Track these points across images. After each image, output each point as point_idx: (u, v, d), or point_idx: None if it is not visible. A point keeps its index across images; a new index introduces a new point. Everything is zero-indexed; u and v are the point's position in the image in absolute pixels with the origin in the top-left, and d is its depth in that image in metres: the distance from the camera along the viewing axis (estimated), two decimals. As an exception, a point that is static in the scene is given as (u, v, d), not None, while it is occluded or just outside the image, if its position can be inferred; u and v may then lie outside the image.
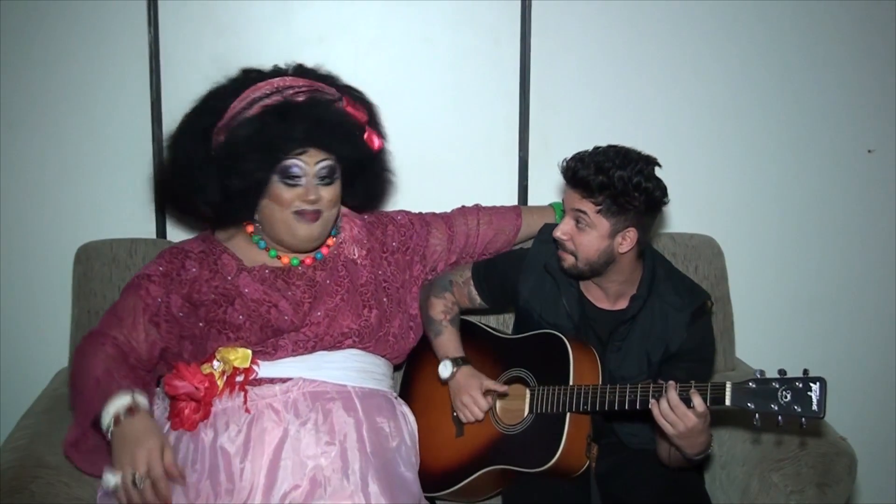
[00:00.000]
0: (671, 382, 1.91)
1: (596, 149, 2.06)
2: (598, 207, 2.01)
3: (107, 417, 1.90)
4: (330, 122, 2.06)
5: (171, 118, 2.48)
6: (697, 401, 1.88)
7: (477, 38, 2.62)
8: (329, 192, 2.08)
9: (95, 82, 2.53)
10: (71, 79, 2.52)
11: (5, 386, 2.63)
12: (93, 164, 2.56)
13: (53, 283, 2.56)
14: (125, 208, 2.56)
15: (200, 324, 2.08)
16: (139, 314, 2.07)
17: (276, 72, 2.13)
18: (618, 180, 1.98)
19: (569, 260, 2.09)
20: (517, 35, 2.61)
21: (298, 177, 2.04)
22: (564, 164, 2.07)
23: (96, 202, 2.57)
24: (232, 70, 2.46)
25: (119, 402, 1.91)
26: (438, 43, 2.62)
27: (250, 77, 2.11)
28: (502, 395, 2.17)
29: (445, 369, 2.18)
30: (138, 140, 2.54)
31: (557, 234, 2.09)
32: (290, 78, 2.11)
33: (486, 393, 2.14)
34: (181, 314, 2.08)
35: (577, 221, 2.05)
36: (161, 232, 2.59)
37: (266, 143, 2.01)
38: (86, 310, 2.37)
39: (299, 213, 2.06)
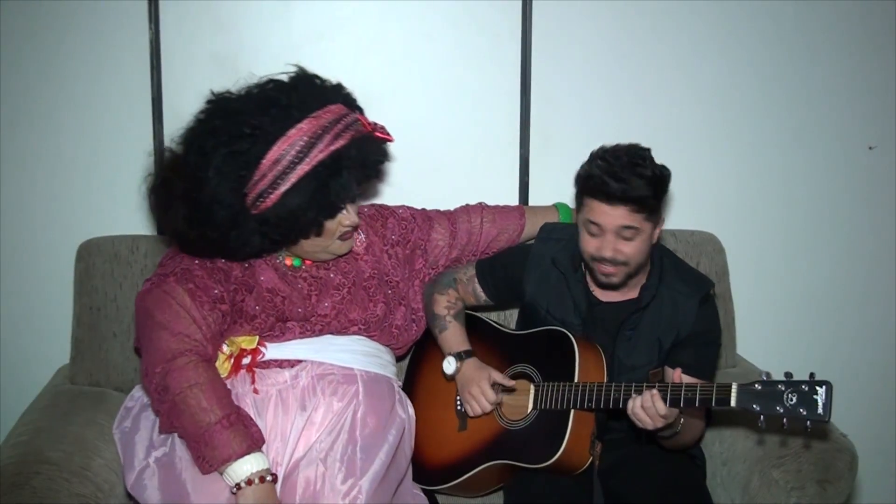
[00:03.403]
0: (655, 392, 1.92)
1: (608, 157, 2.00)
2: (645, 214, 2.00)
3: (240, 473, 1.89)
4: (375, 161, 2.04)
5: (173, 115, 2.50)
6: (659, 404, 1.91)
7: (478, 36, 2.61)
8: (357, 207, 2.08)
9: (97, 79, 2.53)
10: (72, 76, 2.52)
11: (7, 382, 2.63)
12: (94, 161, 2.56)
13: (55, 279, 2.56)
14: (127, 205, 2.55)
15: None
16: (196, 308, 1.97)
17: (288, 95, 1.98)
18: (658, 182, 1.99)
19: (620, 273, 2.05)
20: (518, 32, 2.60)
21: (341, 209, 2.02)
22: (603, 183, 1.97)
23: (98, 199, 2.57)
24: (232, 68, 2.48)
25: (257, 465, 1.89)
26: (439, 40, 2.62)
27: (273, 117, 1.93)
28: (509, 390, 2.17)
29: (449, 366, 2.18)
30: (140, 137, 2.54)
31: (607, 254, 2.02)
32: (317, 118, 1.95)
33: (494, 386, 2.15)
34: (230, 299, 2.04)
35: (621, 236, 2.01)
36: (162, 229, 2.58)
37: (325, 203, 1.95)
38: (87, 306, 2.37)
39: (341, 236, 2.06)
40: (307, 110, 1.95)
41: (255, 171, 1.91)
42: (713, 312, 2.17)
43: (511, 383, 2.15)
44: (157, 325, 1.97)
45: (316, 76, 2.05)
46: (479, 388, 2.13)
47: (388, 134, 2.07)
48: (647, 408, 1.93)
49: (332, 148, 1.94)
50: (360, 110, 2.08)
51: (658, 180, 2.00)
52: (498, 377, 2.14)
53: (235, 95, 2.01)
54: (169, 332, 1.95)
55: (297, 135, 1.92)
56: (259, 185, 1.91)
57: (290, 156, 1.91)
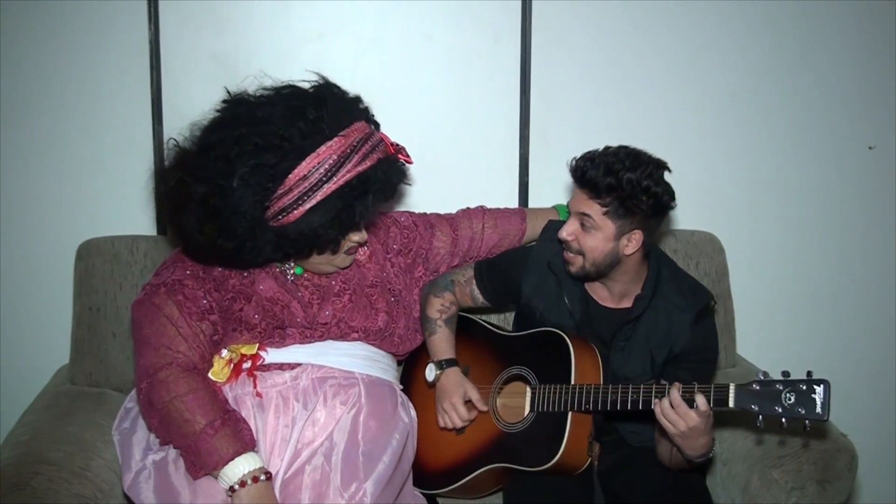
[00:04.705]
0: (676, 383, 1.91)
1: (607, 149, 2.04)
2: (605, 209, 2.00)
3: (232, 475, 1.89)
4: (396, 183, 2.03)
5: (172, 115, 2.50)
6: (701, 400, 1.87)
7: (477, 36, 2.61)
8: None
9: (96, 79, 2.53)
10: (72, 76, 2.52)
11: (6, 382, 2.63)
12: (94, 161, 2.56)
13: (55, 279, 2.56)
14: (126, 205, 2.57)
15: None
16: (184, 319, 1.99)
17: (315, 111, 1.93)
18: (626, 183, 1.96)
19: (576, 263, 2.07)
20: (518, 32, 2.60)
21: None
22: (574, 163, 2.05)
23: (97, 199, 2.57)
24: (231, 68, 2.48)
25: (248, 466, 1.90)
26: (439, 40, 2.61)
27: (301, 130, 1.90)
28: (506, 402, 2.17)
29: (430, 373, 2.19)
30: (139, 137, 2.54)
31: (563, 234, 2.07)
32: (345, 136, 1.93)
33: (467, 403, 2.15)
34: (220, 308, 2.04)
35: (582, 224, 2.04)
36: (162, 229, 2.59)
37: (348, 223, 1.95)
38: (87, 306, 2.37)
39: (348, 251, 2.06)
40: (337, 127, 1.92)
41: (280, 184, 1.88)
42: (710, 328, 2.14)
43: (485, 408, 2.15)
44: (141, 340, 2.00)
45: (335, 85, 2.02)
46: (451, 405, 2.14)
47: (409, 156, 2.06)
48: (677, 406, 1.88)
49: (360, 169, 1.92)
50: (378, 125, 2.07)
51: (627, 184, 1.96)
52: (473, 396, 2.14)
53: (256, 100, 1.97)
54: (151, 347, 1.97)
55: (327, 153, 1.90)
56: (283, 199, 1.89)
57: (319, 173, 1.89)
